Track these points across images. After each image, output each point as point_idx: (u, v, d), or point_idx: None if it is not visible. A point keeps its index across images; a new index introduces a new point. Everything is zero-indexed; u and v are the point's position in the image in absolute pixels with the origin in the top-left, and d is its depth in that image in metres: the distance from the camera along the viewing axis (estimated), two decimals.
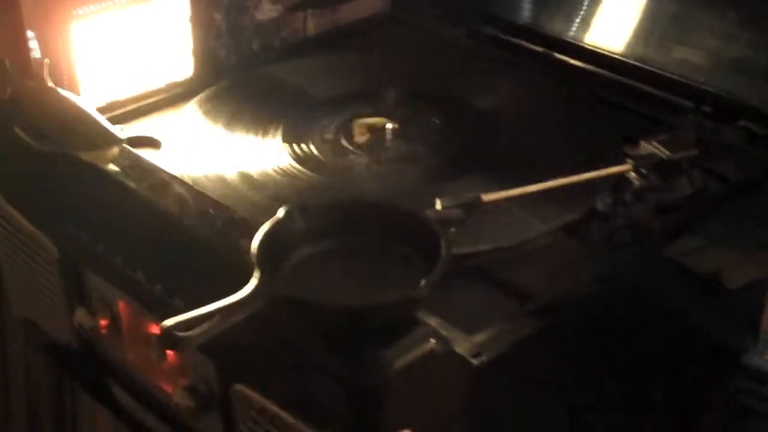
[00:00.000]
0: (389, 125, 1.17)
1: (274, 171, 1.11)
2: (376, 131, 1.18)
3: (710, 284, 1.11)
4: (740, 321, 1.25)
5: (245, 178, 1.09)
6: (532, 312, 0.91)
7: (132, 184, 1.00)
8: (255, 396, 0.89)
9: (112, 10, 1.17)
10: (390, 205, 0.92)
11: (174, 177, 1.02)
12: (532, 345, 0.89)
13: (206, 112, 1.21)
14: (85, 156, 1.02)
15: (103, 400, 1.19)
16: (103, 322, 1.07)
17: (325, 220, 0.89)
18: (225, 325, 0.77)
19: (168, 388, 1.02)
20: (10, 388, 1.58)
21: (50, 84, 1.06)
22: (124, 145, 1.04)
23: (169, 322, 0.76)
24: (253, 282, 0.80)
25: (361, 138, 1.17)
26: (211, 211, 0.96)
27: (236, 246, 0.91)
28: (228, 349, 0.86)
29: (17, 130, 1.03)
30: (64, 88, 1.11)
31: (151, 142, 1.15)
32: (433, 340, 0.82)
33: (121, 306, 1.05)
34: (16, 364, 1.56)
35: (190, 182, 1.05)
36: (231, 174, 1.09)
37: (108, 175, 1.02)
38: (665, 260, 1.04)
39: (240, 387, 0.90)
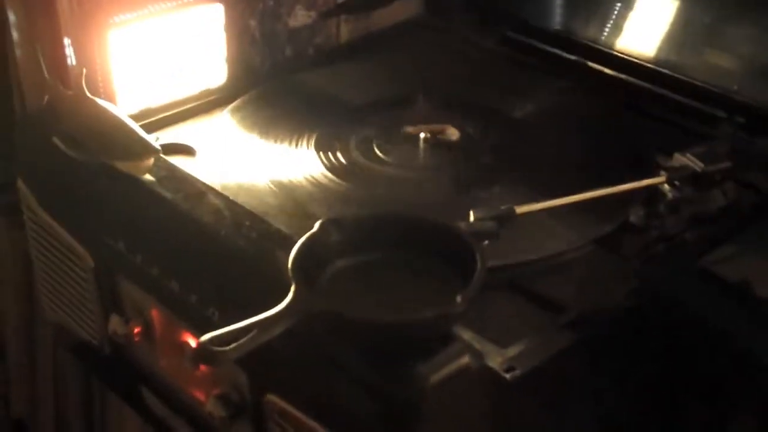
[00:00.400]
0: (422, 134, 1.17)
1: (306, 179, 1.11)
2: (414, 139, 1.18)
3: (742, 293, 1.11)
4: None
5: (278, 186, 1.09)
6: (565, 325, 0.91)
7: (168, 195, 1.01)
8: (288, 407, 0.89)
9: (148, 18, 1.18)
10: (424, 219, 0.92)
11: (210, 188, 1.03)
12: (565, 358, 0.89)
13: (240, 120, 1.22)
14: (122, 166, 1.02)
15: (134, 404, 1.20)
16: (137, 330, 1.08)
17: (359, 233, 0.90)
18: (262, 340, 0.78)
19: (200, 396, 1.03)
20: (38, 391, 1.59)
21: (87, 93, 1.07)
22: (161, 155, 1.04)
23: (206, 336, 0.77)
24: (290, 296, 0.80)
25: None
26: (246, 222, 0.97)
27: (271, 257, 0.91)
28: (262, 360, 0.86)
29: (55, 139, 1.04)
30: (100, 96, 1.12)
31: (186, 150, 1.15)
32: (467, 355, 0.82)
33: (155, 314, 1.05)
34: (44, 367, 1.57)
35: (223, 190, 1.05)
36: (264, 182, 1.10)
37: (144, 185, 1.02)
38: (698, 270, 1.04)
39: (273, 397, 0.91)
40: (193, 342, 1.00)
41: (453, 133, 1.17)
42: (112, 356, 1.14)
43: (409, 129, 1.19)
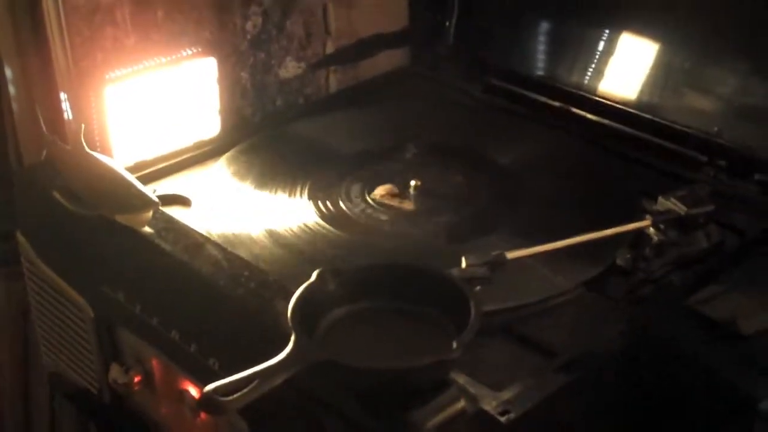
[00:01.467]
0: (413, 182, 1.20)
1: (301, 229, 1.13)
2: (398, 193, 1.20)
3: (727, 331, 1.13)
4: (758, 367, 1.27)
5: (273, 235, 1.11)
6: (557, 368, 0.93)
7: (167, 246, 1.03)
8: None
9: (143, 73, 1.21)
10: (418, 267, 0.94)
11: (208, 239, 1.05)
12: (557, 400, 0.91)
13: (234, 170, 1.24)
14: (121, 219, 1.04)
15: None
16: (137, 378, 1.09)
17: (356, 282, 0.92)
18: (264, 389, 0.79)
19: None
20: None
21: (86, 148, 1.09)
22: (159, 207, 1.06)
23: (210, 387, 0.79)
24: (291, 346, 0.82)
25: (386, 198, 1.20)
26: (245, 272, 0.99)
27: (270, 307, 0.94)
28: (262, 408, 0.88)
29: (55, 193, 1.06)
30: (96, 149, 1.14)
31: (181, 200, 1.18)
32: (463, 400, 0.85)
33: (155, 363, 1.07)
34: (40, 416, 1.58)
35: (219, 240, 1.07)
36: (259, 232, 1.12)
37: (143, 237, 1.04)
38: (684, 310, 1.07)
39: None
40: (194, 390, 1.02)
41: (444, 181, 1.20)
42: (112, 405, 1.16)
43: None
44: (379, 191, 1.20)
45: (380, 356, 0.86)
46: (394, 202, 1.18)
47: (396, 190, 1.20)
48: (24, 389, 1.55)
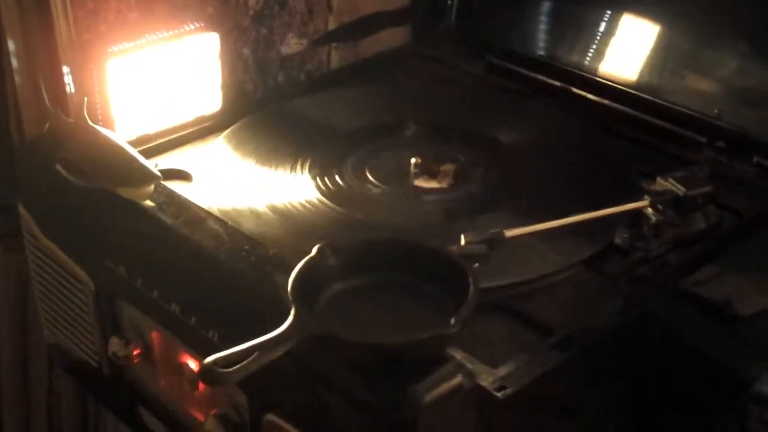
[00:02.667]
0: (413, 159, 1.20)
1: (302, 204, 1.14)
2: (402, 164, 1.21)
3: (723, 312, 1.14)
4: (752, 349, 1.27)
5: (274, 211, 1.12)
6: (554, 345, 0.94)
7: (168, 220, 1.04)
8: (287, 426, 0.91)
9: (145, 47, 1.21)
10: (418, 243, 0.95)
11: (209, 213, 1.06)
12: (553, 377, 0.92)
13: (235, 146, 1.25)
14: (123, 192, 1.05)
15: (132, 425, 1.22)
16: (136, 351, 1.10)
17: (355, 257, 0.92)
18: (263, 361, 0.80)
19: (199, 416, 1.06)
20: (32, 412, 1.61)
21: (89, 121, 1.09)
22: (161, 181, 1.07)
23: (210, 358, 0.79)
24: (291, 319, 0.83)
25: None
26: (245, 246, 0.99)
27: (270, 280, 0.94)
28: (261, 380, 0.89)
29: (57, 166, 1.06)
30: (98, 123, 1.15)
31: (183, 175, 1.18)
32: (460, 375, 0.85)
33: (155, 336, 1.08)
34: (39, 387, 1.59)
35: (220, 215, 1.08)
36: (260, 207, 1.12)
37: (145, 210, 1.05)
38: (681, 291, 1.07)
39: (272, 417, 0.93)
40: (193, 364, 1.03)
41: (447, 169, 1.21)
42: (111, 377, 1.17)
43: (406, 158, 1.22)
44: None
45: (379, 331, 0.86)
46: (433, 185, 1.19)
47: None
48: (23, 360, 1.56)
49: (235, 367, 0.79)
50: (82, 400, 1.57)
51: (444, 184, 1.19)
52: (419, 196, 1.17)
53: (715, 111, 1.28)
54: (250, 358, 0.80)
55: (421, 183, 1.19)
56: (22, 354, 1.55)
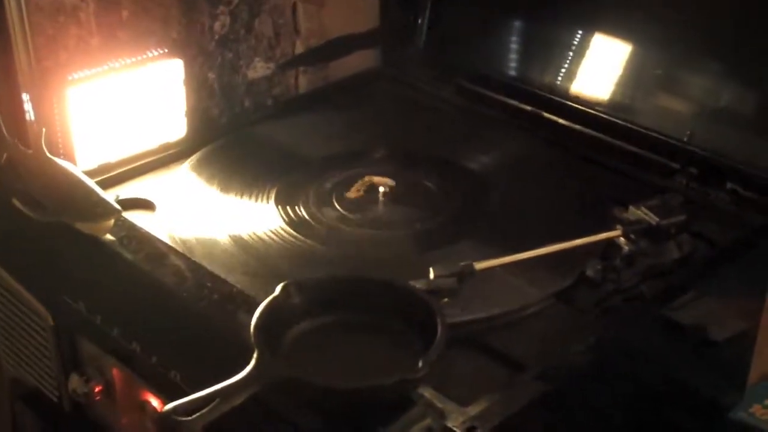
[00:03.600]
0: (381, 188, 1.18)
1: (267, 235, 1.12)
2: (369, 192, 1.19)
3: (697, 338, 1.13)
4: (727, 375, 1.26)
5: (237, 242, 1.10)
6: (525, 382, 0.92)
7: (129, 255, 1.02)
8: None
9: (107, 74, 1.19)
10: (383, 281, 0.94)
11: (171, 248, 1.03)
12: (526, 415, 0.90)
13: (200, 173, 1.23)
14: (82, 227, 1.03)
15: None
16: (97, 389, 1.08)
17: (320, 295, 0.91)
18: (224, 409, 0.78)
19: None
20: None
21: (47, 153, 1.07)
22: (121, 215, 1.04)
23: (169, 406, 0.77)
24: (253, 362, 0.81)
25: (355, 194, 1.18)
26: (208, 283, 0.97)
27: (233, 319, 0.92)
28: (223, 427, 0.86)
29: (15, 201, 1.04)
30: (59, 152, 1.13)
31: (146, 204, 1.16)
32: (429, 418, 0.83)
33: (115, 373, 1.06)
34: (3, 418, 1.56)
35: (183, 246, 1.06)
36: (224, 238, 1.10)
37: (105, 245, 1.03)
38: (655, 318, 1.06)
39: None
40: (155, 402, 1.00)
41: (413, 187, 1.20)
42: (72, 413, 1.14)
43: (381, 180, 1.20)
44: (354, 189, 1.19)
45: (345, 373, 0.84)
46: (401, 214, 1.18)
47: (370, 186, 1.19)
48: None
49: (195, 416, 0.77)
50: None
51: (413, 215, 1.17)
52: (388, 226, 1.15)
53: (688, 133, 1.27)
54: (210, 405, 0.78)
55: (390, 213, 1.17)
56: None
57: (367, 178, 1.21)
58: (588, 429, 1.01)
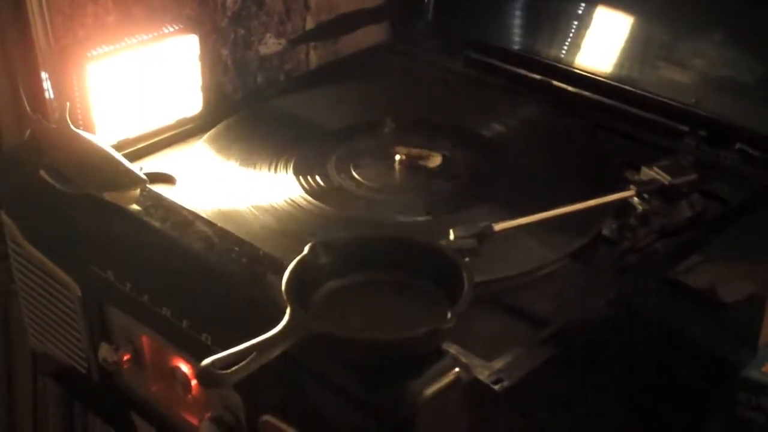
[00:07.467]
0: (397, 156, 1.20)
1: (287, 203, 1.13)
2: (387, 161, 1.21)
3: (707, 299, 1.15)
4: (739, 336, 1.29)
5: (259, 211, 1.12)
6: (547, 338, 0.94)
7: (156, 224, 1.03)
8: (284, 427, 0.91)
9: (124, 50, 1.20)
10: (409, 239, 0.95)
11: (197, 215, 1.05)
12: (548, 369, 0.92)
13: (217, 147, 1.24)
14: (109, 197, 1.04)
15: (123, 431, 1.21)
16: (126, 357, 1.09)
17: (347, 254, 0.92)
18: (261, 362, 0.80)
19: (193, 420, 1.05)
20: (17, 426, 1.59)
21: (71, 126, 1.09)
22: (147, 185, 1.06)
23: (207, 360, 0.79)
24: (286, 318, 0.83)
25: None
26: (236, 248, 0.99)
27: (262, 281, 0.94)
28: (256, 381, 0.88)
29: (42, 172, 1.05)
30: (79, 127, 1.14)
31: (166, 178, 1.17)
32: (457, 369, 0.85)
33: (145, 340, 1.07)
34: (23, 398, 1.57)
35: (206, 217, 1.07)
36: (245, 208, 1.12)
37: (132, 215, 1.04)
38: (667, 281, 1.08)
39: (268, 418, 0.93)
40: (185, 367, 1.02)
41: (434, 159, 1.20)
42: (101, 384, 1.16)
43: (395, 151, 1.21)
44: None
45: (375, 328, 0.86)
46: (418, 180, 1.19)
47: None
48: (7, 371, 1.54)
49: (233, 368, 0.79)
50: (68, 410, 1.55)
51: (429, 180, 1.19)
52: (405, 191, 1.17)
53: (693, 100, 1.29)
54: (247, 359, 0.80)
55: (406, 179, 1.19)
56: (6, 364, 1.54)
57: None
58: (605, 383, 1.03)
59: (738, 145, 1.23)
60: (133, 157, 1.20)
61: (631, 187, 1.10)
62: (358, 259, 0.92)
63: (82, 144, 1.07)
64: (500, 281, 1.01)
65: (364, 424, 0.84)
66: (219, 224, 1.05)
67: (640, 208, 1.09)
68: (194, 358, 0.98)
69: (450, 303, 0.86)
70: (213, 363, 0.79)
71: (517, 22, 1.48)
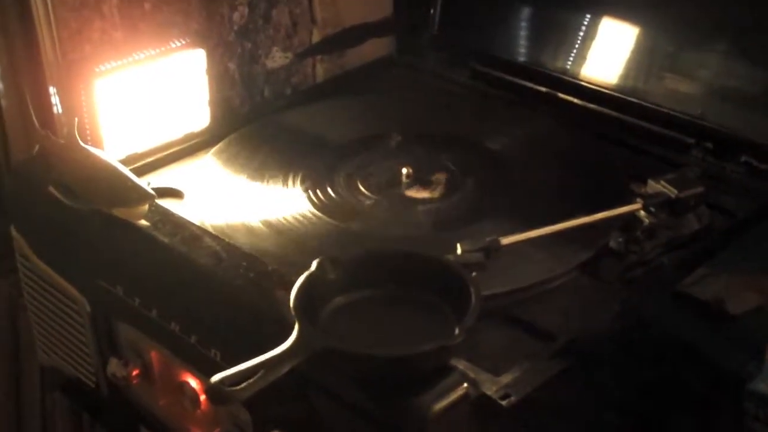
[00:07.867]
0: (404, 170, 1.20)
1: (295, 218, 1.14)
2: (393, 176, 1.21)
3: (715, 312, 1.15)
4: (747, 348, 1.28)
5: (267, 226, 1.12)
6: (554, 352, 0.94)
7: (165, 239, 1.03)
8: None
9: (132, 65, 1.21)
10: (416, 254, 0.95)
11: (205, 230, 1.05)
12: (556, 383, 0.92)
13: (225, 161, 1.25)
14: (118, 212, 1.05)
15: None
16: (135, 372, 1.10)
17: (355, 270, 0.92)
18: (270, 379, 0.80)
19: None
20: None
21: (80, 141, 1.09)
22: (155, 200, 1.06)
23: (217, 377, 0.79)
24: (295, 335, 0.83)
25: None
26: (243, 263, 0.99)
27: (270, 296, 0.94)
28: (265, 397, 0.88)
29: (50, 188, 1.06)
30: (87, 143, 1.14)
31: (174, 193, 1.18)
32: (465, 384, 0.86)
33: (154, 355, 1.08)
34: (32, 411, 1.58)
35: (213, 232, 1.08)
36: (253, 222, 1.12)
37: (140, 230, 1.05)
38: (675, 293, 1.08)
39: None
40: (193, 382, 1.02)
41: (439, 178, 1.21)
42: (110, 398, 1.16)
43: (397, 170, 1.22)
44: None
45: (383, 343, 0.86)
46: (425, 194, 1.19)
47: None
48: (15, 386, 1.55)
49: (242, 385, 0.79)
50: (76, 424, 1.55)
51: (436, 194, 1.19)
52: (412, 206, 1.17)
53: (699, 111, 1.29)
54: (256, 376, 0.80)
55: (413, 193, 1.19)
56: (14, 379, 1.54)
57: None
58: (613, 396, 1.03)
59: (743, 158, 1.23)
60: (141, 172, 1.21)
61: (638, 200, 1.10)
62: (365, 275, 0.92)
63: (90, 159, 1.08)
64: (507, 295, 1.01)
65: None
66: (227, 239, 1.05)
67: (646, 221, 1.09)
68: (203, 373, 0.98)
69: (457, 317, 0.86)
70: (222, 380, 0.80)
71: (522, 34, 1.49)
